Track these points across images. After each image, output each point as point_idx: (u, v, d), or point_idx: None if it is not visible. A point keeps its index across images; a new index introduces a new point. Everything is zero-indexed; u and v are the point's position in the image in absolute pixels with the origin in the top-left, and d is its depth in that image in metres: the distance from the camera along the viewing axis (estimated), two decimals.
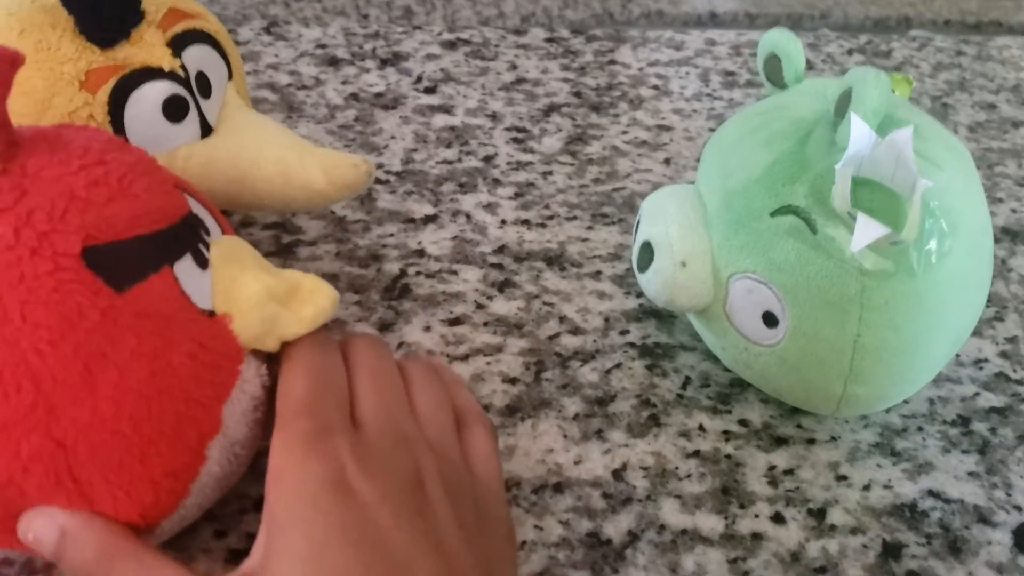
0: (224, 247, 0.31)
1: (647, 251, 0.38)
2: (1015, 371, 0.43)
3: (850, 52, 0.74)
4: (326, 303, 0.31)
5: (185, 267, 0.29)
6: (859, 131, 0.31)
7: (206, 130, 0.39)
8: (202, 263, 0.30)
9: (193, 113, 0.39)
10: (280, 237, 0.47)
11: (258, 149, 0.38)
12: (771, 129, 0.37)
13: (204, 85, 0.39)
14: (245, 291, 0.30)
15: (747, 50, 0.72)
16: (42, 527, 0.27)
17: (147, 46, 0.38)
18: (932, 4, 0.86)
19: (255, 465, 0.34)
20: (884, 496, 0.37)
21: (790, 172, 0.34)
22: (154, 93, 0.37)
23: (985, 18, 0.84)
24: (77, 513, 0.28)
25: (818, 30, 0.76)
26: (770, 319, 0.35)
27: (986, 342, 0.44)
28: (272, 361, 0.32)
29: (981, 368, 0.43)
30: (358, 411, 0.30)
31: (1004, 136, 0.65)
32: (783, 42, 0.39)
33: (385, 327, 0.42)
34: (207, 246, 0.31)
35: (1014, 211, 0.56)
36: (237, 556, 0.32)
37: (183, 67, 0.38)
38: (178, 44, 0.38)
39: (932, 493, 0.37)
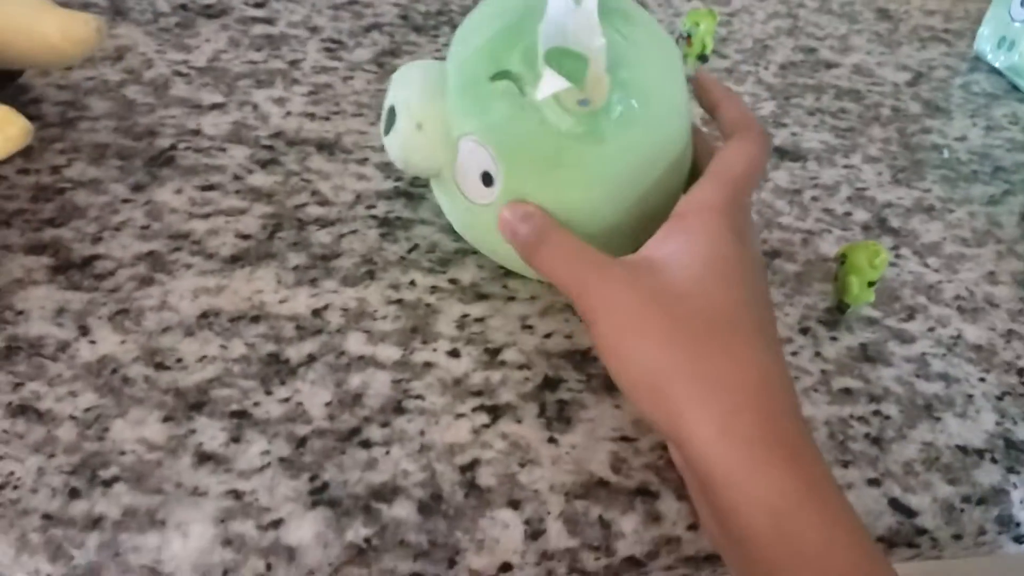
0: None
1: (391, 115, 0.41)
2: None
3: None
4: (16, 131, 0.35)
5: None
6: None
7: None
8: None
9: None
10: (66, 112, 0.50)
11: (2, 10, 0.41)
12: (503, 4, 0.40)
13: None
14: None
15: None
16: (520, 211, 0.37)
17: None
18: None
19: None
20: (561, 343, 0.40)
21: (509, 40, 0.38)
22: None
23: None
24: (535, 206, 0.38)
25: None
26: (487, 179, 0.39)
27: None
28: None
29: None
30: None
31: (813, 75, 0.68)
32: None
33: (138, 188, 0.45)
34: None
35: (793, 134, 0.60)
36: None
37: None
38: None
39: None
